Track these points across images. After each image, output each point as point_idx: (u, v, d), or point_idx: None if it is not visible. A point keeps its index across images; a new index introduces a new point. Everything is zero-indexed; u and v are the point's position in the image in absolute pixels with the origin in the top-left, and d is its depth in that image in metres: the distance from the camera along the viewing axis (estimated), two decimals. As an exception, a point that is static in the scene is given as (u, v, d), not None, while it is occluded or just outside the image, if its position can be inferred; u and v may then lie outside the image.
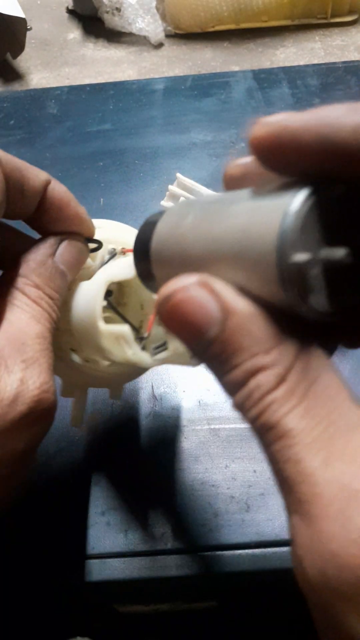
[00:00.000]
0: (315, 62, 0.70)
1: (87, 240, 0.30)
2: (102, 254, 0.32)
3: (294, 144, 0.17)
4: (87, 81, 0.70)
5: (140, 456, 0.38)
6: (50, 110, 0.64)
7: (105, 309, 0.29)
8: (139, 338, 0.31)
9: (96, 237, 0.31)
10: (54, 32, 0.81)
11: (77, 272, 0.29)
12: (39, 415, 0.23)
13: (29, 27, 0.77)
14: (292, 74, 0.65)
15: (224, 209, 0.20)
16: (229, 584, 0.36)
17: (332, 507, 0.15)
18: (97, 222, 0.32)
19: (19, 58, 0.75)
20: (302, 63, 0.70)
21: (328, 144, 0.16)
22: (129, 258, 0.30)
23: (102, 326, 0.28)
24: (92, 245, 0.30)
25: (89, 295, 0.29)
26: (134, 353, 0.29)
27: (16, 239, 0.29)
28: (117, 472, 0.37)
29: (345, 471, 0.15)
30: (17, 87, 0.72)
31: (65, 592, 0.35)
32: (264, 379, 0.17)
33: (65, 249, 0.28)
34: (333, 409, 0.17)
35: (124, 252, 0.31)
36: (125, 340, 0.29)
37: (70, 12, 0.84)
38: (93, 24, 0.80)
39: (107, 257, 0.31)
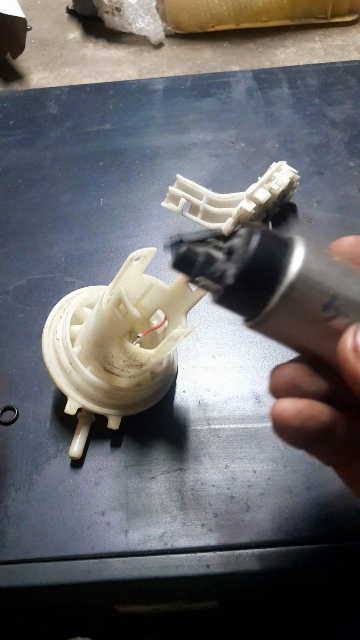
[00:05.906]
0: (316, 62, 0.70)
1: None
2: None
3: None
4: (87, 81, 0.70)
5: (140, 456, 0.38)
6: (50, 110, 0.64)
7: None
8: (137, 336, 0.38)
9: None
10: (54, 32, 0.81)
11: None
12: None
13: (29, 27, 0.77)
14: (292, 74, 0.65)
15: None
16: (229, 584, 0.36)
17: None
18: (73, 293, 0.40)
19: (18, 58, 0.75)
20: (302, 63, 0.70)
21: None
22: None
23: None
24: None
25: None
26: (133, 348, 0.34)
27: None
28: (117, 472, 0.37)
29: None
30: (17, 87, 0.72)
31: (65, 592, 0.35)
32: None
33: None
34: None
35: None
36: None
37: (70, 12, 0.84)
38: (93, 24, 0.80)
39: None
